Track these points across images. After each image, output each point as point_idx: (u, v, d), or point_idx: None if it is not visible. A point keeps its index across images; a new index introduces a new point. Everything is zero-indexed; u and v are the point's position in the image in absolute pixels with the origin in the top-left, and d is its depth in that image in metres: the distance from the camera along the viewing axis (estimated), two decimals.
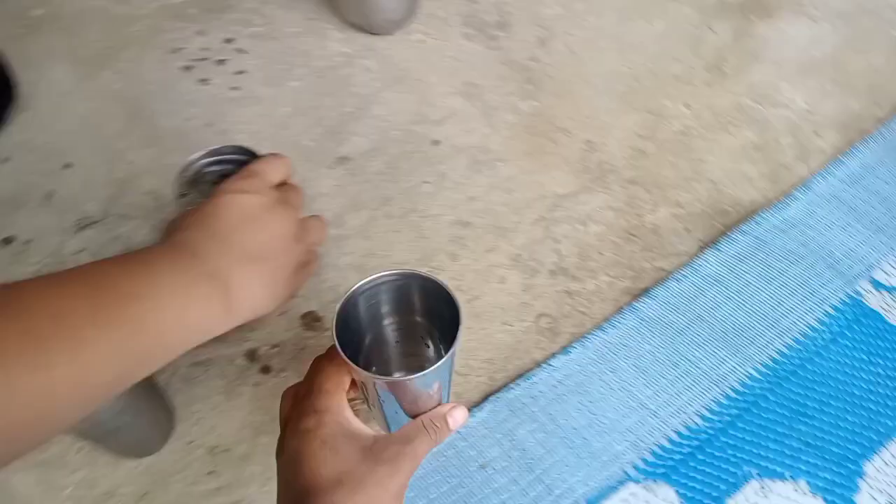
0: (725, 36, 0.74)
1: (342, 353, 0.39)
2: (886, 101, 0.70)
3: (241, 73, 0.74)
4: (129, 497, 0.52)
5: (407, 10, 0.75)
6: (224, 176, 0.55)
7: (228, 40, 0.76)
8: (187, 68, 0.74)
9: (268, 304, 0.43)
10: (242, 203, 0.44)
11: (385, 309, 0.45)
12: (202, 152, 0.55)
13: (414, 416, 0.44)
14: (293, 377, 0.57)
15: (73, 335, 0.33)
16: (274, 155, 0.50)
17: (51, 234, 0.64)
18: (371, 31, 0.75)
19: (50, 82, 0.73)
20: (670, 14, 0.76)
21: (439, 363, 0.39)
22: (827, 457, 0.51)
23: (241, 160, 0.55)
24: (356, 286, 0.42)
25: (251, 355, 0.58)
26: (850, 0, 0.77)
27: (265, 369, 0.58)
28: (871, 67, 0.73)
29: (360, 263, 0.62)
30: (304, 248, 0.47)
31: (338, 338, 0.39)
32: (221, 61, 0.74)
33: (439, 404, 0.44)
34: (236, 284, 0.41)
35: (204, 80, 0.73)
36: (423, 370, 0.39)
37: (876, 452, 0.51)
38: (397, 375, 0.47)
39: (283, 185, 0.49)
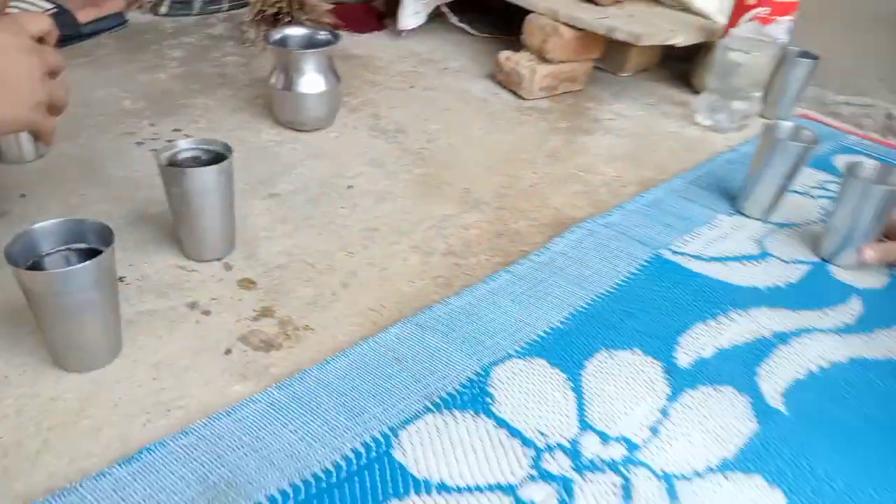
0: (559, 142, 1.04)
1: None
2: (669, 174, 0.99)
3: None
4: (74, 399, 0.56)
5: (329, 112, 1.00)
6: (195, 159, 0.71)
7: (176, 129, 0.96)
8: (139, 143, 0.93)
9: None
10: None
11: None
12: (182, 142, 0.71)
13: None
14: (232, 318, 0.67)
15: None
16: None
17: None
18: (298, 128, 0.99)
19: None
20: (519, 131, 1.06)
21: None
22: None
23: (213, 150, 0.72)
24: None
25: (192, 305, 0.68)
26: (635, 121, 1.10)
27: (205, 312, 0.68)
28: (657, 158, 1.02)
29: (289, 251, 0.77)
30: (47, 91, 0.59)
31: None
32: (170, 140, 0.94)
33: None
34: None
35: (154, 150, 0.91)
36: None
37: None
38: None
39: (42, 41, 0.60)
